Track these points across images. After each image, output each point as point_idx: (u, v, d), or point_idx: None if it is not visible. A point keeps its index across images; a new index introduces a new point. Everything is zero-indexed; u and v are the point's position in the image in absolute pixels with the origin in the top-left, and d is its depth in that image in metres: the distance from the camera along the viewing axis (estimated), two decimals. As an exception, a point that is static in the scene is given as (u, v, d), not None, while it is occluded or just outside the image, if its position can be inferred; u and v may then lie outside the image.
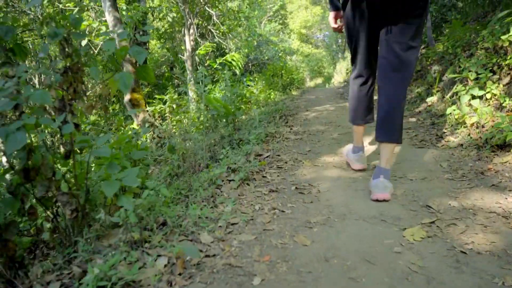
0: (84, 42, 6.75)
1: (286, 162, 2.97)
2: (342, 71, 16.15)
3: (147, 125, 5.83)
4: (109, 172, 1.68)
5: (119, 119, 7.49)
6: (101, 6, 7.87)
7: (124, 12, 8.70)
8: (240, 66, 11.92)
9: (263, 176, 2.67)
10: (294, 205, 2.11)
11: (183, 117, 5.87)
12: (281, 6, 21.38)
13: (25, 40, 11.84)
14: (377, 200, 2.09)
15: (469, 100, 3.20)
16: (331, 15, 2.51)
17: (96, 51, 7.33)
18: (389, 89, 2.22)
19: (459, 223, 1.74)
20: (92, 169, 2.62)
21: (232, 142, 3.69)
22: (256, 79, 12.22)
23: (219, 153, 3.71)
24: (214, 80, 10.22)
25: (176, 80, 12.81)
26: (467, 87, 3.31)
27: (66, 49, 1.51)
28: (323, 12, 23.08)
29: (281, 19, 21.93)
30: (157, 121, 6.06)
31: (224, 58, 11.65)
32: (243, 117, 6.93)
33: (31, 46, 12.64)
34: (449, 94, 3.98)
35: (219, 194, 2.35)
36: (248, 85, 11.69)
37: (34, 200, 1.63)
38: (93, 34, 6.70)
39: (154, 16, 12.04)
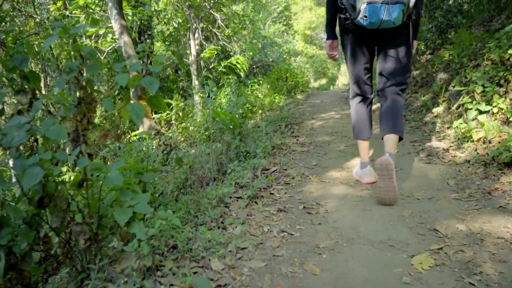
0: (90, 49, 6.80)
1: (293, 178, 2.99)
2: (346, 72, 16.12)
3: (153, 132, 5.87)
4: (121, 199, 1.70)
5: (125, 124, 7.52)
6: (106, 10, 7.92)
7: (129, 17, 8.74)
8: (245, 69, 11.95)
9: (271, 193, 2.70)
10: (303, 227, 2.13)
11: (188, 124, 5.91)
12: (285, 8, 21.37)
13: (31, 43, 11.92)
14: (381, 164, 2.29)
15: (476, 115, 3.21)
16: (327, 43, 2.77)
17: (102, 57, 7.37)
18: (388, 98, 2.58)
19: (467, 249, 1.75)
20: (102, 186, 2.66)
21: (239, 155, 3.72)
22: (261, 81, 12.25)
23: (226, 164, 3.74)
24: (220, 85, 10.23)
25: (181, 83, 12.84)
26: (474, 102, 3.31)
27: (80, 81, 1.54)
28: (328, 13, 22.85)
29: (285, 20, 21.92)
30: (163, 128, 6.10)
31: (229, 61, 11.69)
32: (250, 122, 6.95)
33: (36, 49, 12.74)
34: (456, 105, 3.98)
35: (227, 213, 2.38)
36: (253, 88, 11.73)
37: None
38: (100, 41, 6.74)
39: (159, 19, 12.09)
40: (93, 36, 6.93)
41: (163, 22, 11.20)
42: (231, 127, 3.73)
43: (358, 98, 2.80)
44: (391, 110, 2.53)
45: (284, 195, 2.65)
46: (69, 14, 7.34)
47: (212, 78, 12.38)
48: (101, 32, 6.64)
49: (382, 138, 2.51)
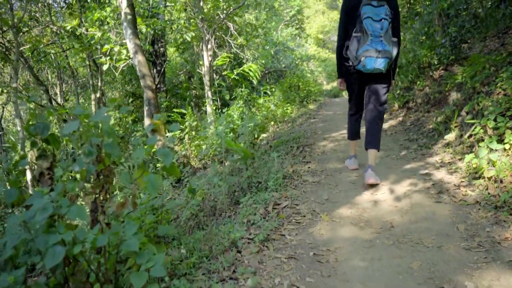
0: (105, 66, 6.93)
1: (304, 216, 3.04)
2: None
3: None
4: (137, 262, 1.78)
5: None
6: (120, 22, 8.05)
7: (144, 30, 8.87)
8: (257, 76, 12.02)
9: (282, 235, 2.75)
10: (312, 279, 2.18)
11: (201, 143, 5.99)
12: (297, 11, 21.35)
13: (48, 52, 12.15)
14: (369, 185, 3.51)
15: (487, 153, 3.21)
16: (339, 80, 3.90)
17: (117, 73, 7.49)
18: (371, 122, 3.66)
19: (474, 314, 1.78)
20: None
21: (251, 185, 3.77)
22: (273, 89, 12.30)
23: (238, 193, 3.80)
24: (232, 97, 10.30)
25: (194, 91, 12.95)
26: (485, 140, 3.32)
27: (99, 156, 1.61)
28: (341, 17, 22.70)
29: (297, 24, 21.89)
30: (176, 146, 6.19)
31: (242, 68, 11.78)
32: (263, 135, 7.00)
33: (53, 57, 12.98)
34: (467, 135, 3.98)
35: (239, 259, 2.44)
36: (265, 93, 11.79)
37: None
38: (115, 58, 6.85)
39: (173, 28, 12.22)
40: (108, 52, 7.04)
41: (176, 31, 11.33)
42: (243, 157, 3.79)
43: (354, 115, 3.95)
44: (373, 131, 3.63)
45: (295, 237, 2.71)
46: (85, 32, 7.47)
47: (225, 86, 12.49)
48: (115, 49, 6.75)
49: (366, 149, 3.64)
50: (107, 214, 1.68)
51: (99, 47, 8.04)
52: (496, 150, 3.19)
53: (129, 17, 6.02)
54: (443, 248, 2.41)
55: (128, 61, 6.73)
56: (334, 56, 22.97)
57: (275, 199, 3.35)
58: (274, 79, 16.31)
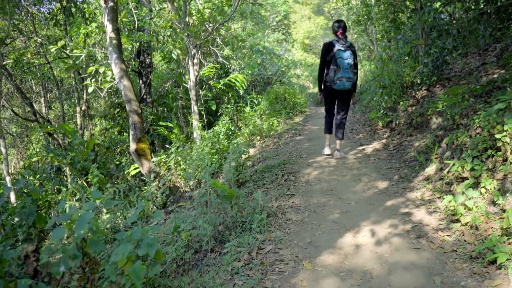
0: (91, 89, 6.92)
1: (287, 263, 3.11)
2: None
3: (153, 175, 5.99)
4: None
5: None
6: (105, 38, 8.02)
7: (129, 47, 8.84)
8: (244, 86, 12.07)
9: (265, 287, 2.82)
10: None
11: (187, 167, 6.02)
12: (284, 16, 21.43)
13: (32, 63, 12.04)
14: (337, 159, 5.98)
15: (464, 199, 3.31)
16: (319, 94, 5.89)
17: (102, 94, 7.48)
18: (339, 120, 5.89)
19: None
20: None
21: (236, 225, 3.83)
22: (260, 99, 12.36)
23: (223, 231, 3.86)
24: (219, 114, 10.33)
25: (180, 101, 12.93)
26: (462, 185, 3.43)
27: (84, 250, 1.65)
28: (327, 22, 23.03)
29: (284, 29, 21.98)
30: (163, 169, 6.21)
31: (228, 78, 11.82)
32: (250, 150, 7.06)
33: (37, 68, 12.86)
34: (446, 170, 4.10)
35: (223, 319, 2.50)
36: (252, 101, 11.85)
37: None
38: (100, 79, 6.84)
39: (159, 39, 12.19)
40: (92, 72, 7.02)
41: (162, 45, 11.32)
42: (227, 197, 3.85)
43: (329, 118, 5.96)
44: (340, 127, 5.89)
45: (277, 291, 2.78)
46: (70, 54, 7.43)
47: (212, 96, 12.52)
48: (101, 70, 6.73)
49: (335, 137, 5.98)
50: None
51: (84, 66, 8.01)
52: (471, 197, 3.30)
53: (114, 41, 6.02)
54: (419, 305, 2.50)
55: (113, 83, 6.71)
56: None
57: (259, 243, 3.41)
58: (261, 86, 16.38)
